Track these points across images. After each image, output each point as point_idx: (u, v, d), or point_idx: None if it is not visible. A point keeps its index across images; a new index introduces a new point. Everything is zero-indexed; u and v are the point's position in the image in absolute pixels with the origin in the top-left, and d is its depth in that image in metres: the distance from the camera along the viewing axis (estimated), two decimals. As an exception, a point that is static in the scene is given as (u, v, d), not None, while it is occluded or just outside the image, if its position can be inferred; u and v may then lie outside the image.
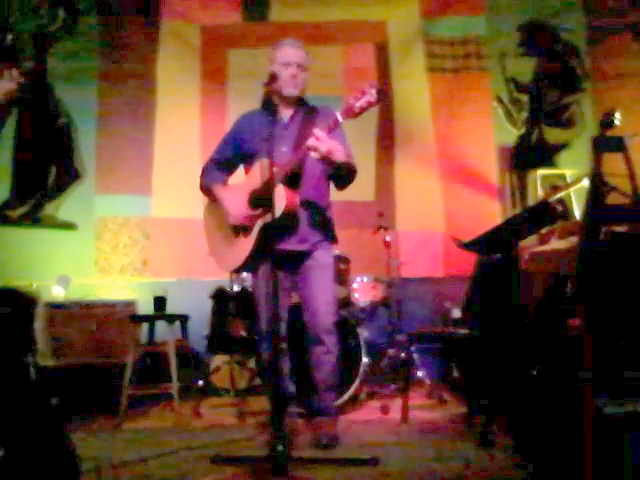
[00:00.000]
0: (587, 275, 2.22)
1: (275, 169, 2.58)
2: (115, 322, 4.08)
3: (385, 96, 2.62)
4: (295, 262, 2.90)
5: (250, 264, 2.87)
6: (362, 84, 2.53)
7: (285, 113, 2.94)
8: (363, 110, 2.52)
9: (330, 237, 2.99)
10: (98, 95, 5.07)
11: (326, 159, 2.65)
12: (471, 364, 3.24)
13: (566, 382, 2.15)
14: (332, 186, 3.00)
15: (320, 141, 2.58)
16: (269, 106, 2.85)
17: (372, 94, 2.49)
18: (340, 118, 2.57)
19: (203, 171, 3.06)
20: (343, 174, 2.81)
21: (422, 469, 2.41)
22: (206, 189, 3.02)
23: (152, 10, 5.17)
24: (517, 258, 2.93)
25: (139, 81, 5.11)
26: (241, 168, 3.05)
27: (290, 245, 2.83)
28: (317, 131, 2.59)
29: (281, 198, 2.64)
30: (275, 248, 2.58)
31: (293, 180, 2.78)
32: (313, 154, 2.63)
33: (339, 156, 2.66)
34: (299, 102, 2.97)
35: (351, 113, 2.54)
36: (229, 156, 3.03)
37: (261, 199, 2.74)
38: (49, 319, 3.96)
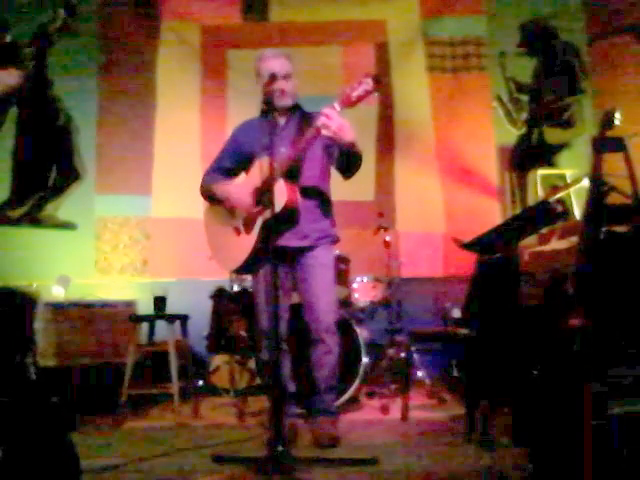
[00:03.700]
0: (587, 275, 2.22)
1: (275, 165, 2.58)
2: (115, 322, 4.07)
3: (381, 84, 2.60)
4: (296, 259, 2.90)
5: (252, 263, 2.86)
6: (359, 75, 2.53)
7: (281, 118, 2.96)
8: (360, 99, 2.52)
9: (331, 235, 2.99)
10: (98, 95, 5.08)
11: (337, 137, 2.61)
12: (471, 364, 3.24)
13: (566, 382, 2.15)
14: (332, 185, 3.00)
15: (331, 118, 2.55)
16: (268, 112, 2.85)
17: (368, 83, 2.50)
18: (338, 107, 2.56)
19: (203, 177, 3.07)
20: (351, 157, 2.76)
21: (422, 469, 2.41)
22: (207, 191, 3.01)
23: (152, 10, 5.18)
24: (517, 258, 2.93)
25: (139, 81, 5.11)
26: (242, 173, 3.05)
27: (291, 242, 2.83)
28: (327, 109, 2.57)
29: (282, 193, 2.64)
30: (276, 245, 2.58)
31: (293, 175, 2.78)
32: (325, 132, 2.58)
33: (350, 134, 2.63)
34: (294, 107, 2.98)
35: (348, 102, 2.53)
36: (229, 163, 3.03)
37: (262, 195, 2.74)
38: (49, 319, 3.96)
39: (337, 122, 2.56)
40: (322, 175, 2.95)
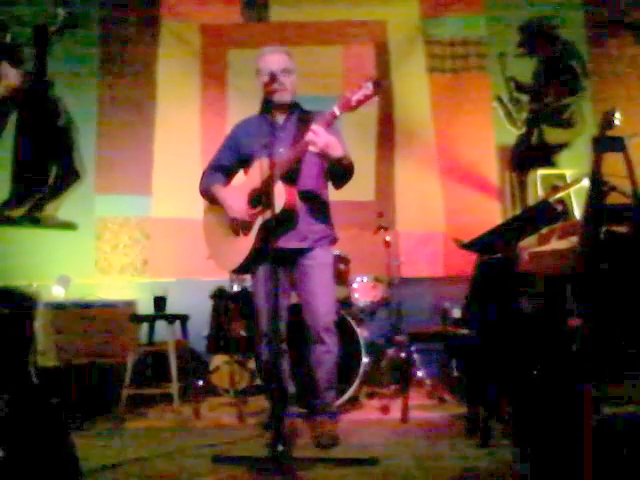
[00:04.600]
0: (587, 275, 2.22)
1: (274, 167, 2.59)
2: (115, 322, 4.07)
3: (381, 88, 2.61)
4: (295, 260, 2.91)
5: (250, 264, 2.87)
6: (359, 79, 2.55)
7: (280, 117, 2.96)
8: (360, 103, 2.53)
9: (330, 237, 3.00)
10: (98, 95, 5.08)
11: (324, 153, 2.66)
12: (471, 364, 3.24)
13: (566, 382, 2.15)
14: (331, 186, 3.01)
15: (318, 135, 2.59)
16: (267, 110, 2.87)
17: (368, 87, 2.51)
18: (337, 111, 2.58)
19: (202, 176, 3.07)
20: (340, 171, 2.81)
21: (422, 469, 2.41)
22: (206, 191, 3.02)
23: (152, 10, 5.18)
24: (517, 258, 2.93)
25: (139, 81, 5.11)
26: (241, 172, 3.07)
27: (290, 243, 2.84)
28: (315, 126, 2.61)
29: (280, 195, 2.65)
30: (275, 246, 2.59)
31: (291, 177, 2.79)
32: (311, 148, 2.64)
33: (337, 151, 2.67)
34: (293, 105, 2.98)
35: (348, 106, 2.55)
36: (227, 162, 3.04)
37: (261, 197, 2.75)
38: (49, 319, 3.96)
39: (324, 139, 2.60)
40: (320, 177, 2.95)
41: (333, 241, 3.03)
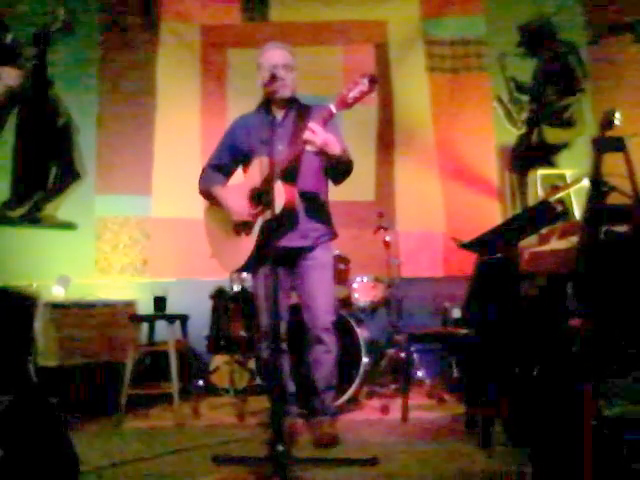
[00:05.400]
0: (587, 275, 2.22)
1: (274, 166, 2.60)
2: (115, 322, 4.07)
3: (377, 84, 2.62)
4: (296, 260, 2.91)
5: (253, 263, 2.87)
6: (355, 76, 2.56)
7: (278, 113, 2.96)
8: (357, 100, 2.55)
9: (330, 233, 3.00)
10: (98, 95, 5.08)
11: (322, 152, 2.67)
12: (471, 364, 3.24)
13: (566, 383, 2.14)
14: (331, 183, 3.01)
15: (315, 134, 2.60)
16: (265, 106, 2.87)
17: (364, 83, 2.53)
18: (334, 109, 2.59)
19: (201, 176, 3.07)
20: (339, 167, 2.81)
21: (422, 469, 2.41)
22: (206, 192, 3.02)
23: (152, 10, 5.18)
24: (517, 258, 2.93)
25: (139, 81, 5.11)
26: (239, 170, 3.07)
27: (291, 242, 2.84)
28: (312, 124, 2.62)
29: (280, 194, 2.65)
30: (276, 246, 2.59)
31: (291, 176, 2.79)
32: (309, 147, 2.64)
33: (335, 148, 2.68)
34: (291, 101, 2.98)
35: (344, 104, 2.56)
36: (226, 160, 3.04)
37: (261, 196, 2.76)
38: (49, 319, 3.95)
39: (321, 137, 2.61)
40: (319, 175, 2.96)
41: (334, 237, 3.04)
